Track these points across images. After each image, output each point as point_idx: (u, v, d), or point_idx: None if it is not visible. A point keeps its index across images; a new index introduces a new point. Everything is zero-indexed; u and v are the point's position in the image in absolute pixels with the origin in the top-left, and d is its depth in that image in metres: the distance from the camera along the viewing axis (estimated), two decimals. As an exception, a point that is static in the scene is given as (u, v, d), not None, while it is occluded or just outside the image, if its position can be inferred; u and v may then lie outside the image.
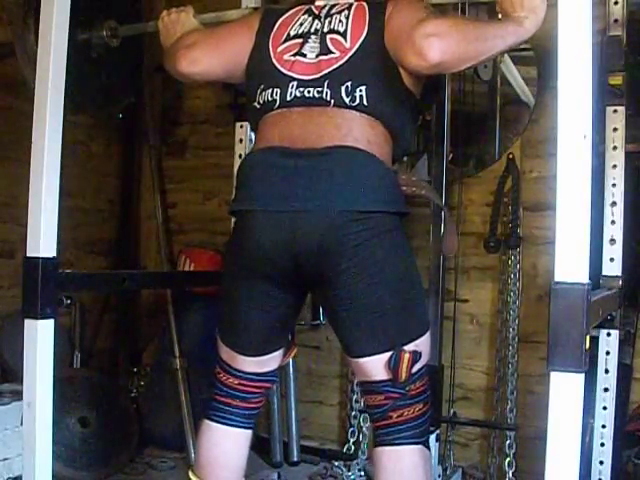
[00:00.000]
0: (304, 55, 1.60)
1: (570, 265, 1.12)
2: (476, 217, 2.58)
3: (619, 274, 1.91)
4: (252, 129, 1.80)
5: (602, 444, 1.92)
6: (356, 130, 1.52)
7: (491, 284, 2.56)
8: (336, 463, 2.62)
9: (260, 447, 2.64)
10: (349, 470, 2.57)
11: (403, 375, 1.50)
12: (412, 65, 1.46)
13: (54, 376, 1.59)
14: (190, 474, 1.72)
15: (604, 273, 1.91)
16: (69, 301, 1.61)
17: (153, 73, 3.23)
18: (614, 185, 1.93)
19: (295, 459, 2.61)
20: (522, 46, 2.50)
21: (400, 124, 1.61)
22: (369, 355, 1.53)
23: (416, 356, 1.52)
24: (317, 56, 1.59)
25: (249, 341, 1.66)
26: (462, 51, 1.44)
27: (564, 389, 1.12)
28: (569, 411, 1.12)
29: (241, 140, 2.37)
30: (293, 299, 1.65)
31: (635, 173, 2.18)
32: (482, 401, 2.55)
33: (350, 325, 1.55)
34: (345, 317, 1.54)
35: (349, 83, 1.54)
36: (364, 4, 1.64)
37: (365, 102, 1.53)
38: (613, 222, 1.92)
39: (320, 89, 1.55)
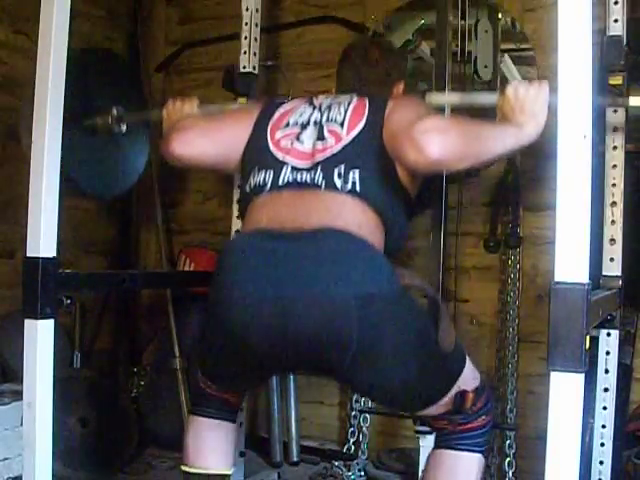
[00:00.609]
0: (301, 143, 1.58)
1: (570, 265, 1.12)
2: (476, 217, 2.57)
3: (619, 274, 1.91)
4: (241, 217, 1.69)
5: (602, 444, 1.92)
6: (347, 213, 1.46)
7: (491, 284, 2.56)
8: (336, 463, 2.61)
9: (260, 447, 2.64)
10: (349, 470, 2.57)
11: (468, 406, 1.52)
12: (411, 161, 1.40)
13: (54, 376, 1.59)
14: (182, 467, 1.73)
15: (604, 273, 1.91)
16: (69, 301, 1.60)
17: (153, 73, 3.24)
18: (614, 185, 1.92)
19: (295, 459, 2.60)
20: (522, 46, 2.53)
21: (393, 215, 1.54)
22: (424, 409, 1.55)
23: (478, 392, 1.54)
24: (313, 144, 1.56)
25: (226, 387, 1.70)
26: (461, 149, 1.40)
27: (564, 389, 1.12)
28: (569, 411, 1.12)
29: (241, 140, 2.36)
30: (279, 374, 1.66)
31: (635, 173, 2.17)
32: (482, 401, 2.55)
33: (389, 401, 1.56)
34: (379, 397, 1.56)
35: (342, 166, 1.50)
36: (365, 99, 1.62)
37: (358, 187, 1.48)
38: (613, 222, 1.92)
39: (313, 174, 1.52)
